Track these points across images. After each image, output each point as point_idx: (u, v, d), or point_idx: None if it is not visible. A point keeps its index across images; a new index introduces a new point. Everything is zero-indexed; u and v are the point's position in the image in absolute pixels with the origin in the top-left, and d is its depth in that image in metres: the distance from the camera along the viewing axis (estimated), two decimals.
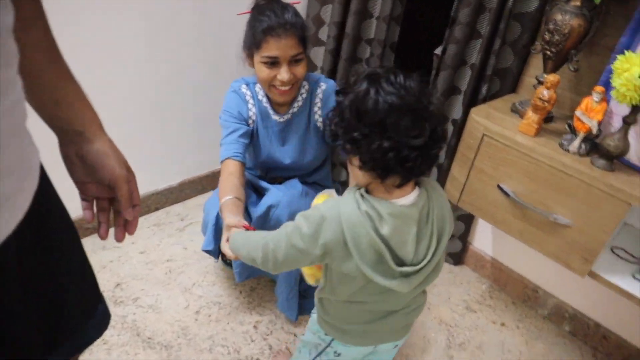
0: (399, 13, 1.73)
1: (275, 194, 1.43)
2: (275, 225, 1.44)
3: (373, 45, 1.81)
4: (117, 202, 0.72)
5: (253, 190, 1.57)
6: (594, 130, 1.21)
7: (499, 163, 1.33)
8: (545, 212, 1.27)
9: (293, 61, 1.31)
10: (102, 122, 0.69)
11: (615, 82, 1.10)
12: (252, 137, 1.46)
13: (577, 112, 1.23)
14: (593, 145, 1.25)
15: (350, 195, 0.81)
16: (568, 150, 1.25)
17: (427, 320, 1.71)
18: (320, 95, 1.44)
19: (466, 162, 1.41)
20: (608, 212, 1.17)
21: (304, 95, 1.45)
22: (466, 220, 1.87)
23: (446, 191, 1.46)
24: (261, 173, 1.63)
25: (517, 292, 1.87)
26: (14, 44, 0.48)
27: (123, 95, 1.65)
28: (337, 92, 0.81)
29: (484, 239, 1.92)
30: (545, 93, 1.25)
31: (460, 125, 1.65)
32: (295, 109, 1.45)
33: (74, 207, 0.70)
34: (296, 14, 1.31)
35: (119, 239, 0.75)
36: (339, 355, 1.03)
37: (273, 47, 1.27)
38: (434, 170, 1.82)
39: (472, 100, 1.62)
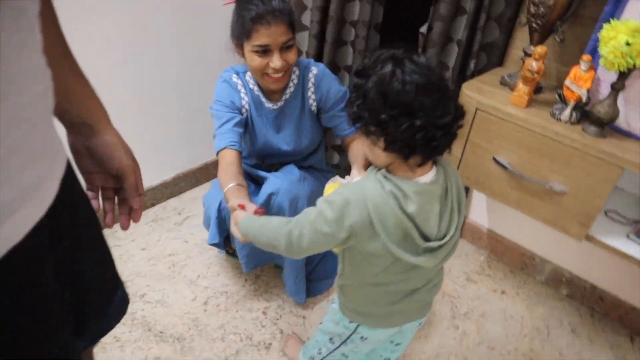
0: None
1: (274, 182, 1.44)
2: (277, 213, 1.46)
3: (358, 27, 1.81)
4: (123, 192, 0.75)
5: (251, 180, 1.58)
6: (584, 98, 1.24)
7: (493, 136, 1.35)
8: (540, 181, 1.30)
9: (284, 48, 1.30)
10: (109, 116, 0.72)
11: (603, 50, 1.13)
12: (246, 126, 1.46)
13: (567, 82, 1.26)
14: (583, 113, 1.28)
15: (372, 177, 0.82)
16: (560, 119, 1.28)
17: None
18: (312, 80, 1.45)
19: (461, 136, 1.43)
20: (602, 177, 1.21)
21: (295, 81, 1.45)
22: None
23: None
24: (257, 161, 1.64)
25: (514, 261, 1.92)
26: (38, 34, 0.49)
27: (109, 94, 1.63)
28: (358, 75, 0.80)
29: (479, 211, 1.96)
30: (534, 64, 1.28)
31: None
32: (287, 96, 1.46)
33: None
34: (281, 1, 1.30)
35: (125, 226, 0.77)
36: (365, 339, 1.04)
37: (263, 36, 1.26)
38: None
39: (461, 76, 1.64)
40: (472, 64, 1.58)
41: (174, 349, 1.44)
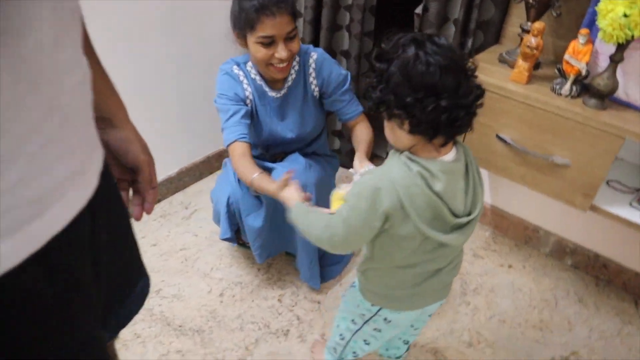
0: None
1: (281, 172, 1.45)
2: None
3: (353, 11, 1.81)
4: (137, 184, 0.78)
5: None
6: (583, 72, 1.26)
7: (495, 113, 1.37)
8: (544, 155, 1.33)
9: (288, 38, 1.31)
10: (127, 111, 0.75)
11: (601, 23, 1.15)
12: (251, 117, 1.47)
13: (566, 56, 1.28)
14: (583, 87, 1.30)
15: (396, 160, 0.84)
16: (560, 94, 1.30)
17: None
18: (313, 65, 1.46)
19: None
20: (603, 148, 1.24)
21: (296, 68, 1.46)
22: None
23: None
24: (262, 151, 1.65)
25: (519, 235, 1.96)
26: (78, 27, 0.51)
27: None
28: (378, 59, 0.80)
29: None
30: (532, 40, 1.29)
31: None
32: (290, 83, 1.46)
33: None
34: None
35: (138, 217, 0.79)
36: (389, 321, 1.05)
37: (268, 27, 1.26)
38: None
39: None
40: (469, 43, 1.60)
41: (194, 342, 1.47)
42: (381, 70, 0.79)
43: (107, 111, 0.69)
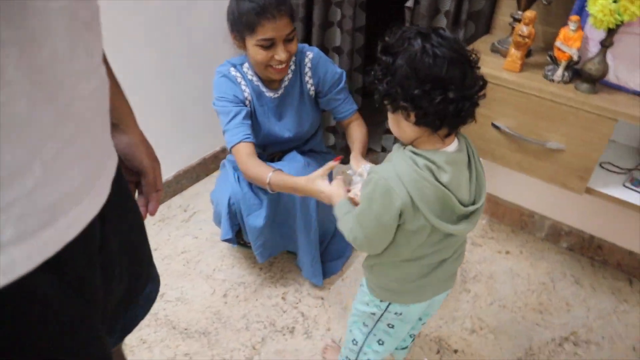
0: None
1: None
2: (287, 202, 1.49)
3: (344, 7, 1.82)
4: (142, 186, 0.80)
5: None
6: (575, 58, 1.29)
7: (490, 102, 1.39)
8: (539, 141, 1.35)
9: (287, 39, 1.31)
10: (135, 117, 0.76)
11: (592, 9, 1.17)
12: (251, 118, 1.47)
13: (557, 43, 1.30)
14: (575, 72, 1.33)
15: (401, 156, 0.84)
16: (553, 80, 1.33)
17: None
18: (309, 64, 1.46)
19: None
20: (597, 130, 1.27)
21: (293, 67, 1.46)
22: None
23: None
24: (259, 151, 1.64)
25: (514, 221, 1.99)
26: (95, 36, 0.52)
27: None
28: (384, 53, 0.80)
29: None
30: (524, 29, 1.31)
31: None
32: (286, 83, 1.47)
33: None
34: None
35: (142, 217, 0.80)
36: (400, 314, 1.05)
37: (269, 30, 1.26)
38: None
39: None
40: (461, 34, 1.61)
41: (201, 344, 1.47)
42: (387, 63, 0.79)
43: (116, 116, 0.70)
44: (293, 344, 1.49)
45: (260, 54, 1.31)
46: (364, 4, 1.83)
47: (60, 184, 0.46)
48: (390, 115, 0.86)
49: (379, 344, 1.12)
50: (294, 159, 1.54)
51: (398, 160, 0.84)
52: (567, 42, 1.29)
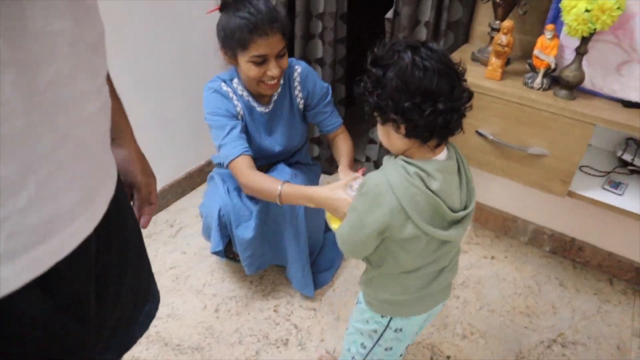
0: None
1: None
2: (277, 214, 1.49)
3: (324, 19, 1.85)
4: (135, 200, 0.82)
5: None
6: (552, 65, 1.34)
7: (474, 110, 1.39)
8: (522, 147, 1.39)
9: (279, 55, 1.32)
10: (133, 132, 0.77)
11: (566, 18, 1.22)
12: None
13: (535, 51, 1.35)
14: (553, 79, 1.38)
15: (392, 165, 0.85)
16: (532, 87, 1.37)
17: None
18: (297, 79, 1.48)
19: None
20: (577, 135, 1.31)
21: (282, 82, 1.47)
22: None
23: None
24: None
25: (498, 226, 2.03)
26: (99, 59, 0.52)
27: None
28: (374, 65, 0.81)
29: None
30: (503, 38, 1.36)
31: None
32: (276, 97, 1.48)
33: None
34: (268, 4, 1.29)
35: None
36: (401, 330, 1.04)
37: (261, 47, 1.26)
38: None
39: None
40: (441, 44, 1.66)
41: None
42: (377, 76, 0.80)
43: (114, 131, 0.70)
44: (287, 356, 1.49)
45: (252, 70, 1.31)
46: (344, 16, 1.86)
47: (55, 204, 0.46)
48: (380, 127, 0.88)
49: None
50: (282, 172, 1.54)
51: (389, 170, 0.85)
52: (545, 50, 1.33)
